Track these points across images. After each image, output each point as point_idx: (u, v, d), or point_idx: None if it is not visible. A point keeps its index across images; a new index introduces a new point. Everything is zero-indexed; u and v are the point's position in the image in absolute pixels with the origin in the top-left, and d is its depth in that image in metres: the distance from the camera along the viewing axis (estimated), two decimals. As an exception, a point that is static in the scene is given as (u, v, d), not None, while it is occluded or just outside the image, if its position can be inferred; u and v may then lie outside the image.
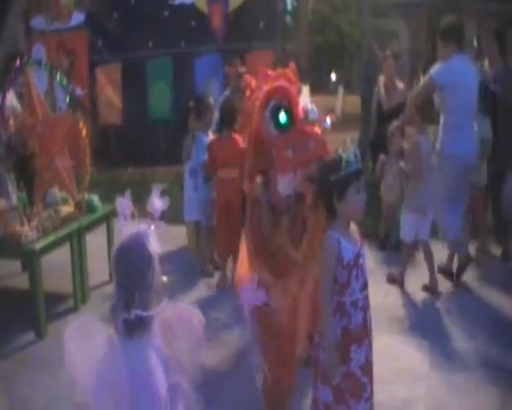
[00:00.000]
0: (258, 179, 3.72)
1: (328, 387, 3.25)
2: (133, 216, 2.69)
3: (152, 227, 2.66)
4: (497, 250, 6.83)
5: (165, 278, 2.71)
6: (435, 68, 5.86)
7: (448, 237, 6.08)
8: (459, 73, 5.74)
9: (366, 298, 3.28)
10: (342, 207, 3.15)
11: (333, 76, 8.55)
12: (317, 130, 3.56)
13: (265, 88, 3.68)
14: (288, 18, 20.62)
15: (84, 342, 2.44)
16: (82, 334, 2.46)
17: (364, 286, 3.25)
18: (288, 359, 3.82)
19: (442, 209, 5.93)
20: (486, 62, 6.82)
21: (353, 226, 3.28)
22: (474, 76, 5.93)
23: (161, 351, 2.45)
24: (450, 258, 6.22)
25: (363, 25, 12.89)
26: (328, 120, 3.64)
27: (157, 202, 2.87)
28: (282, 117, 3.48)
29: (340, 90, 15.51)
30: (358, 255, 3.20)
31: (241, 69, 7.54)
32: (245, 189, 3.93)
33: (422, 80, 6.06)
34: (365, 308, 3.27)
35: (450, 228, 6.00)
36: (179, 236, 7.46)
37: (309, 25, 12.31)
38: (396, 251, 6.74)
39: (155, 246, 2.58)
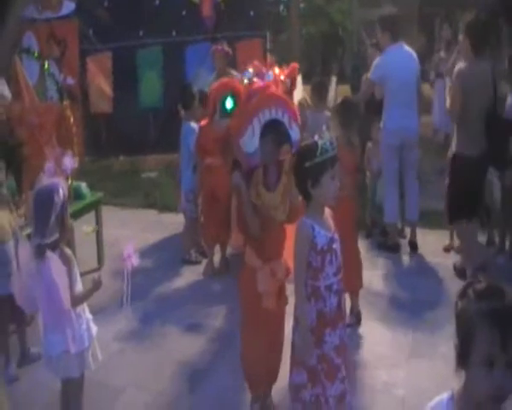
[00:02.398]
0: (234, 171, 3.76)
1: (303, 369, 3.34)
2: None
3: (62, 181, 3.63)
4: (482, 238, 6.87)
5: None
6: (371, 69, 6.60)
7: (385, 220, 6.70)
8: (393, 62, 6.37)
9: (340, 282, 3.37)
10: (317, 193, 3.23)
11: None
12: (258, 83, 3.69)
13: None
14: (281, 8, 20.62)
15: (25, 256, 3.50)
16: (24, 250, 3.54)
17: (338, 270, 3.33)
18: (273, 343, 3.87)
19: (384, 191, 6.64)
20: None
21: (327, 212, 3.36)
22: (409, 61, 6.47)
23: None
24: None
25: (352, 14, 12.91)
26: (270, 73, 3.76)
27: (68, 161, 4.11)
28: (229, 103, 3.77)
29: (333, 79, 15.42)
30: (332, 241, 3.29)
31: (227, 49, 7.57)
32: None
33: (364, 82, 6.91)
34: (339, 292, 3.36)
35: (387, 211, 6.64)
36: (170, 223, 7.53)
37: (301, 14, 12.32)
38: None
39: (61, 196, 3.41)
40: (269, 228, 3.66)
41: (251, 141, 3.57)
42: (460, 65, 5.81)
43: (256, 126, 3.54)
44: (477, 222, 6.12)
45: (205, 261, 6.54)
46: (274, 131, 3.60)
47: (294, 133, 3.66)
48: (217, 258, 6.48)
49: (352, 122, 5.33)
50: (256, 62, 3.92)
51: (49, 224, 3.34)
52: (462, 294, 1.97)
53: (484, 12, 9.25)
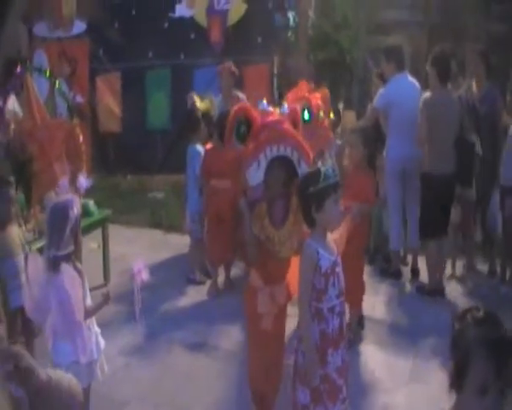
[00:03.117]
0: (242, 198, 3.81)
1: (307, 388, 3.38)
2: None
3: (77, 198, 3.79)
4: (484, 267, 6.93)
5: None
6: (377, 96, 6.75)
7: (390, 247, 6.74)
8: (397, 91, 6.50)
9: (342, 304, 3.45)
10: (320, 218, 3.32)
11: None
12: (272, 117, 3.72)
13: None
14: (289, 33, 20.72)
15: (35, 269, 3.57)
16: (35, 263, 3.61)
17: (341, 293, 3.41)
18: (272, 365, 3.92)
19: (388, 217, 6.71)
20: (473, 83, 6.99)
21: (330, 236, 3.45)
22: (413, 91, 6.59)
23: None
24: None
25: (360, 42, 13.00)
26: (285, 105, 3.82)
27: (83, 180, 4.48)
28: (242, 129, 3.67)
29: (340, 105, 15.43)
30: (335, 264, 3.38)
31: (234, 69, 7.66)
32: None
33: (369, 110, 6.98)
34: (341, 314, 3.44)
35: (391, 238, 6.71)
36: (175, 243, 7.60)
37: (310, 40, 12.41)
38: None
39: (75, 211, 3.56)
40: (272, 257, 3.72)
41: (255, 174, 3.58)
42: (426, 94, 6.24)
43: (262, 161, 3.54)
44: (446, 240, 6.43)
45: (209, 282, 6.60)
46: (280, 167, 3.61)
47: (303, 171, 3.61)
48: (221, 278, 6.54)
49: (375, 145, 5.63)
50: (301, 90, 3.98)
51: (64, 237, 3.47)
52: (461, 319, 2.04)
53: (491, 45, 9.40)
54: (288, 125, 3.68)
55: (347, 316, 5.46)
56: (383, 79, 6.95)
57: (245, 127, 3.66)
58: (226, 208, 6.13)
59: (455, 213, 6.57)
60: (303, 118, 4.29)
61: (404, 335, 5.50)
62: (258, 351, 3.89)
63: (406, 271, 6.91)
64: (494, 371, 1.89)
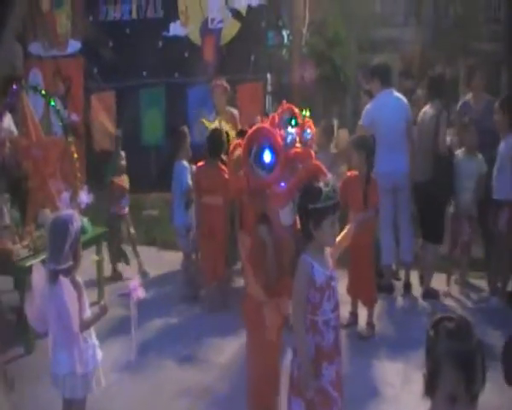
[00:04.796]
0: (262, 224, 3.74)
1: (301, 400, 3.41)
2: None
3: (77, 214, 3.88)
4: (478, 282, 7.01)
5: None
6: (362, 115, 6.88)
7: (382, 263, 6.80)
8: (382, 107, 6.65)
9: (337, 318, 3.48)
10: (317, 235, 3.35)
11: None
12: (299, 149, 3.64)
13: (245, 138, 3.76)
14: (284, 51, 20.84)
15: (39, 280, 3.63)
16: (38, 274, 3.66)
17: (336, 307, 3.44)
18: (274, 376, 3.96)
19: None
20: (470, 97, 7.13)
21: (327, 251, 3.48)
22: (398, 106, 6.72)
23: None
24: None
25: (352, 59, 13.13)
26: (307, 130, 3.71)
27: (84, 196, 4.78)
28: (267, 156, 3.56)
29: (334, 122, 15.50)
30: (331, 279, 3.41)
31: (226, 85, 7.83)
32: (245, 242, 3.99)
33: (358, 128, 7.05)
34: (336, 328, 3.47)
35: (383, 254, 6.77)
36: (170, 260, 7.65)
37: (303, 58, 12.48)
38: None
39: (75, 226, 3.63)
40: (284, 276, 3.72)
41: (289, 214, 3.57)
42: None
43: (296, 200, 3.50)
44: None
45: (201, 296, 6.65)
46: None
47: None
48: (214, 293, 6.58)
49: (372, 157, 5.85)
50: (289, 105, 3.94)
51: (63, 251, 3.56)
52: (434, 328, 2.09)
53: (479, 59, 9.54)
54: (314, 156, 3.69)
55: (365, 316, 5.86)
56: (370, 96, 7.05)
57: (270, 155, 3.56)
58: (218, 225, 6.23)
59: (457, 229, 6.71)
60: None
61: (395, 348, 5.56)
62: (261, 364, 3.90)
63: (398, 285, 6.98)
64: (463, 381, 1.95)
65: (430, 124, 6.65)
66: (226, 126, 7.06)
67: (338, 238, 3.60)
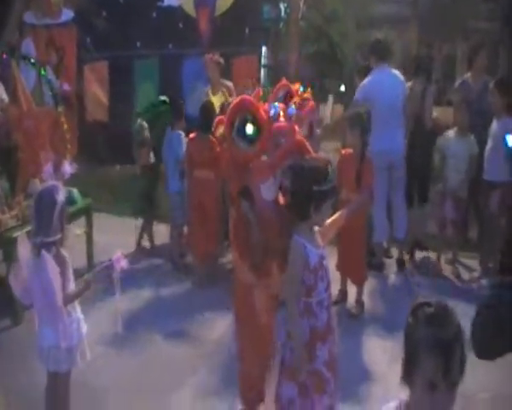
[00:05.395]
0: (244, 200, 3.68)
1: (294, 383, 3.38)
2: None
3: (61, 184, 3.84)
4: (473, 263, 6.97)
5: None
6: (357, 90, 6.80)
7: (374, 240, 6.81)
8: (377, 84, 6.61)
9: (330, 297, 3.45)
10: (315, 217, 3.31)
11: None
12: (283, 123, 3.59)
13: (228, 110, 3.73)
14: (281, 25, 20.68)
15: (24, 252, 3.61)
16: (23, 246, 3.63)
17: (328, 286, 3.41)
18: (266, 359, 3.93)
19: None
20: (469, 76, 7.10)
21: (316, 229, 3.44)
22: (394, 82, 6.72)
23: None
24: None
25: (348, 35, 13.04)
26: (291, 106, 3.68)
27: (67, 167, 4.74)
28: (249, 129, 3.51)
29: (330, 99, 15.44)
30: (322, 257, 3.37)
31: (220, 59, 7.78)
32: (232, 212, 3.94)
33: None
34: (329, 307, 3.43)
35: (376, 231, 6.77)
36: (161, 233, 7.59)
37: (301, 33, 12.37)
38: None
39: (61, 197, 3.60)
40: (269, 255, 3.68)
41: (271, 188, 3.54)
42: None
43: (278, 175, 3.49)
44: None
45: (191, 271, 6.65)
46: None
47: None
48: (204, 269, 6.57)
49: (367, 135, 5.75)
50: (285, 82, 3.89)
51: (52, 223, 3.53)
52: (413, 313, 2.07)
53: (483, 38, 9.46)
54: (298, 132, 3.62)
55: (354, 293, 5.87)
56: (364, 76, 7.01)
57: (253, 128, 3.51)
58: (209, 200, 6.21)
59: (445, 209, 6.70)
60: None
61: (384, 326, 5.55)
62: (254, 348, 3.87)
63: (389, 263, 6.98)
64: (441, 369, 1.92)
65: (415, 99, 6.73)
66: (228, 100, 7.03)
67: (330, 221, 3.56)
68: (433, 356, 1.94)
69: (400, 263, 6.96)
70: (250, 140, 3.53)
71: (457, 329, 2.00)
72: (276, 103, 3.63)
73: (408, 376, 2.04)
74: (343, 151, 6.01)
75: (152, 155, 7.16)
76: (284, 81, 3.95)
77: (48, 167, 4.08)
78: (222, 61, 7.78)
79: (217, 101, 7.17)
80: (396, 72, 6.81)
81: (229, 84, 7.88)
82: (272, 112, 3.56)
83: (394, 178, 6.72)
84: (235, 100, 3.85)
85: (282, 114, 3.60)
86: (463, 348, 2.01)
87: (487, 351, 2.48)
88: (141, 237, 7.43)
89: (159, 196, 8.18)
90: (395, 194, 6.81)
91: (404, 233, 6.89)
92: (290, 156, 3.46)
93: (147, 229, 7.43)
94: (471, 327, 2.48)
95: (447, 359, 1.93)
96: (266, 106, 3.61)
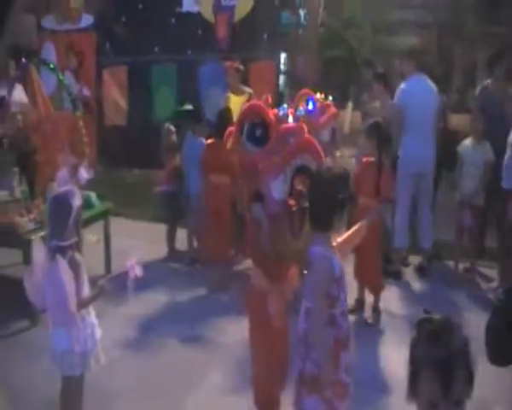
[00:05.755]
0: (256, 203, 3.67)
1: (317, 396, 3.27)
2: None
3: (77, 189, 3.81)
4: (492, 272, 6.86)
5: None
6: (395, 95, 6.86)
7: (395, 245, 6.85)
8: (414, 91, 6.66)
9: (347, 305, 3.39)
10: (337, 225, 3.27)
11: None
12: (292, 124, 3.60)
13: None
14: (300, 31, 20.68)
15: (39, 255, 3.61)
16: (38, 249, 3.62)
17: (346, 294, 3.34)
18: (280, 365, 3.89)
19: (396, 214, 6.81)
20: (490, 83, 7.07)
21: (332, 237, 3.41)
22: (428, 92, 6.77)
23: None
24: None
25: (367, 41, 13.04)
26: (300, 108, 3.74)
27: (83, 172, 4.68)
28: (258, 131, 3.52)
29: (349, 105, 15.46)
30: (342, 266, 3.28)
31: (240, 66, 7.84)
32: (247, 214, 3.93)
33: (393, 112, 6.87)
34: (347, 314, 3.38)
35: (397, 236, 6.84)
36: (179, 238, 7.60)
37: (319, 39, 12.36)
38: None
39: (77, 202, 3.59)
40: (282, 259, 3.66)
41: (281, 187, 3.49)
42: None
43: (288, 173, 3.46)
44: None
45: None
46: (301, 177, 3.52)
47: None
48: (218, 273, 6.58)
49: (385, 144, 5.69)
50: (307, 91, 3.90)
51: (67, 227, 3.52)
52: (417, 328, 2.03)
53: (504, 44, 9.41)
54: (307, 132, 3.59)
55: (371, 302, 5.85)
56: (381, 80, 7.01)
57: (261, 130, 3.51)
58: (224, 205, 6.23)
59: (462, 217, 6.65)
60: (308, 109, 4.33)
61: (400, 335, 5.49)
62: (268, 352, 3.83)
63: (405, 271, 6.97)
64: (441, 388, 1.87)
65: None
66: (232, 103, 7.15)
67: (347, 237, 3.54)
68: (431, 375, 1.89)
69: (421, 269, 6.97)
70: (259, 143, 3.54)
71: (460, 346, 1.94)
72: (285, 105, 3.67)
73: (411, 393, 2.00)
74: (364, 159, 5.92)
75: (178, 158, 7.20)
76: (306, 90, 3.98)
77: (62, 172, 4.08)
78: (242, 68, 7.81)
79: (239, 101, 7.24)
80: (431, 82, 6.85)
81: (249, 90, 7.91)
82: (281, 113, 3.59)
83: (422, 186, 6.77)
84: (244, 106, 3.86)
85: (291, 116, 3.62)
86: (469, 364, 1.94)
87: (500, 356, 2.45)
88: (172, 239, 7.48)
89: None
90: (421, 202, 6.85)
91: (430, 243, 6.91)
92: (299, 154, 3.46)
93: (172, 232, 7.46)
94: (485, 332, 2.45)
95: (447, 378, 1.87)
96: (275, 110, 3.63)
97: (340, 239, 3.43)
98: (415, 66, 6.82)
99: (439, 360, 1.89)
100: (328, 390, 3.24)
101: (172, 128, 7.21)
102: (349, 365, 3.35)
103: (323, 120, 5.19)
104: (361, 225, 3.71)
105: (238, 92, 7.77)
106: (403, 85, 6.83)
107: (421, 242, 6.93)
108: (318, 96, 5.36)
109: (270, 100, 3.74)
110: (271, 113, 3.59)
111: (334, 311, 3.22)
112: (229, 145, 4.07)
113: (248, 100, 7.24)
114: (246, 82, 8.31)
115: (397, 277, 6.81)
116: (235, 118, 7.02)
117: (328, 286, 3.17)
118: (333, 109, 5.41)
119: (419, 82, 6.75)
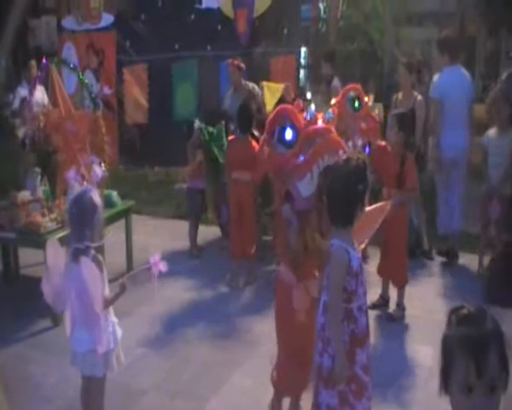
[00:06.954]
0: (285, 203, 3.68)
1: (333, 390, 3.31)
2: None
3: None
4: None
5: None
6: (431, 86, 6.98)
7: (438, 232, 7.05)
8: (449, 82, 6.74)
9: (366, 301, 3.38)
10: (359, 216, 3.26)
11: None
12: (319, 124, 3.61)
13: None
14: (320, 24, 20.66)
15: (56, 257, 3.60)
16: (55, 251, 3.62)
17: (366, 290, 3.34)
18: (303, 358, 3.82)
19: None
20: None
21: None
22: (464, 82, 6.83)
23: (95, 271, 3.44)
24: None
25: (389, 33, 12.91)
26: (330, 110, 3.74)
27: (98, 170, 4.36)
28: (288, 134, 3.54)
29: (371, 97, 15.20)
30: (360, 260, 3.29)
31: (241, 64, 7.77)
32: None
33: (432, 107, 7.06)
34: (366, 311, 3.37)
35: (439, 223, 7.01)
36: (200, 235, 7.59)
37: (339, 32, 12.29)
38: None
39: (98, 200, 3.57)
40: (308, 256, 3.66)
41: (308, 186, 3.50)
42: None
43: (315, 173, 3.45)
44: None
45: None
46: (328, 176, 3.48)
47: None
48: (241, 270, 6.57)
49: (409, 135, 5.72)
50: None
51: (95, 227, 3.53)
52: (448, 319, 2.00)
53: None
54: (334, 132, 3.61)
55: (395, 297, 5.78)
56: (410, 70, 6.94)
57: (292, 132, 3.54)
58: (247, 201, 6.20)
59: (488, 209, 6.59)
60: (353, 106, 4.38)
61: (426, 330, 5.44)
62: (291, 348, 3.85)
63: (429, 265, 6.96)
64: (475, 371, 1.83)
65: None
66: (267, 93, 7.32)
67: (371, 209, 3.53)
68: (465, 357, 1.86)
69: (451, 255, 7.01)
70: (289, 145, 3.55)
71: (493, 329, 1.90)
72: (313, 107, 3.67)
73: (445, 382, 1.96)
74: (383, 143, 5.85)
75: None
76: (354, 84, 3.97)
77: (71, 173, 4.06)
78: (243, 65, 7.79)
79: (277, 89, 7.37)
80: (465, 72, 6.91)
81: (252, 85, 7.86)
82: (309, 116, 3.59)
83: (454, 175, 6.83)
84: (274, 110, 3.87)
85: (319, 117, 3.63)
86: (503, 347, 1.88)
87: (498, 297, 2.39)
88: (195, 235, 7.48)
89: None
90: (452, 192, 6.90)
91: (459, 226, 7.01)
92: (326, 153, 3.44)
93: (195, 228, 7.48)
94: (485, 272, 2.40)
95: (480, 358, 1.83)
96: (304, 113, 3.64)
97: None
98: (448, 57, 6.83)
99: (473, 340, 1.86)
100: (342, 385, 3.26)
101: (203, 125, 7.21)
102: (367, 364, 3.35)
103: (364, 129, 5.44)
104: (384, 203, 3.70)
105: (240, 88, 7.74)
106: (439, 77, 6.90)
107: (452, 225, 6.97)
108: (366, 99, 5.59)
109: (301, 105, 3.79)
110: (299, 115, 3.60)
111: (351, 305, 3.25)
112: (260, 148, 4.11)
113: (285, 91, 7.19)
114: (266, 76, 8.28)
115: (428, 256, 7.06)
116: (268, 107, 7.14)
117: (344, 279, 3.20)
118: (375, 124, 5.67)
119: (454, 72, 6.80)
